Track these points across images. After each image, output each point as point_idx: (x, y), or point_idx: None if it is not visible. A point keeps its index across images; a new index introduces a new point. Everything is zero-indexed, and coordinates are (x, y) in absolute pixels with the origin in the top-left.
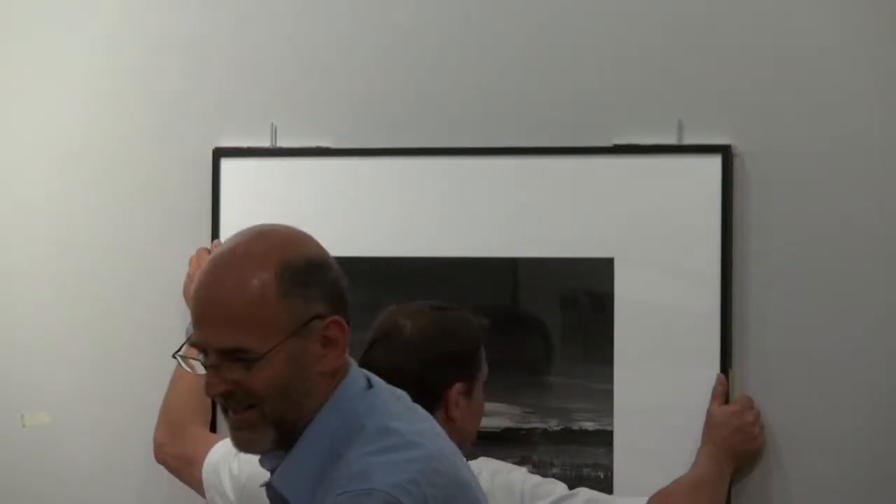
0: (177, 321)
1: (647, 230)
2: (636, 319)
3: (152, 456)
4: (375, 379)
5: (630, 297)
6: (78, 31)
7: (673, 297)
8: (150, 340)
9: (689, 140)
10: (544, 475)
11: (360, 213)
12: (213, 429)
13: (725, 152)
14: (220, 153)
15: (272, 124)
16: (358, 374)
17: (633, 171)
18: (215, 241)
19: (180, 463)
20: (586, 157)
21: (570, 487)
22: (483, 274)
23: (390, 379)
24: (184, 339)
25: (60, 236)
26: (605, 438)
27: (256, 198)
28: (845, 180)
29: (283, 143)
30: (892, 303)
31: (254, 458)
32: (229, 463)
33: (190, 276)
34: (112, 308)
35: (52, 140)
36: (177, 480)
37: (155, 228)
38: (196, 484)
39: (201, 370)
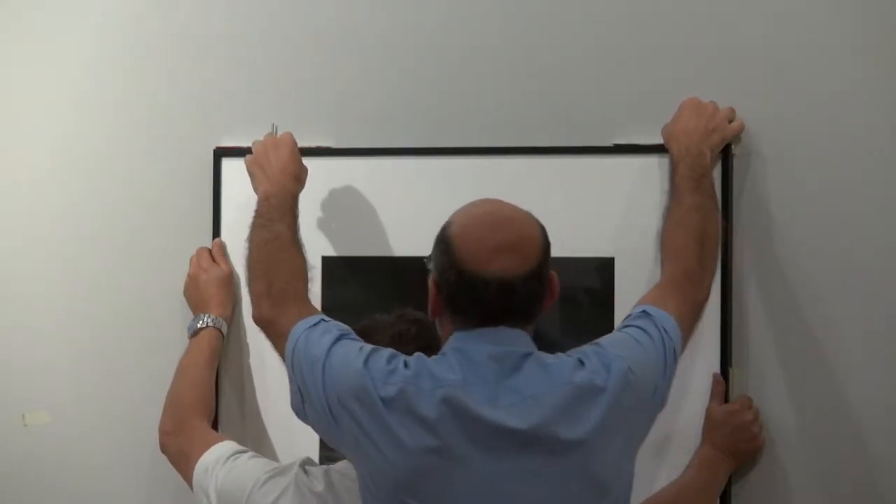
0: (177, 321)
1: (647, 230)
2: None
3: (153, 454)
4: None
5: (630, 297)
6: (78, 31)
7: None
8: (151, 340)
9: None
10: None
11: (360, 213)
12: (213, 426)
13: (725, 152)
14: (220, 153)
15: (272, 124)
16: None
17: (633, 171)
18: (216, 241)
19: (179, 457)
20: (586, 157)
21: None
22: None
23: None
24: (186, 338)
25: (61, 236)
26: None
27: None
28: (845, 180)
29: None
30: (892, 303)
31: (237, 470)
32: (217, 469)
33: (190, 276)
34: (112, 307)
35: (53, 140)
36: (178, 478)
37: (155, 228)
38: (188, 480)
39: None
